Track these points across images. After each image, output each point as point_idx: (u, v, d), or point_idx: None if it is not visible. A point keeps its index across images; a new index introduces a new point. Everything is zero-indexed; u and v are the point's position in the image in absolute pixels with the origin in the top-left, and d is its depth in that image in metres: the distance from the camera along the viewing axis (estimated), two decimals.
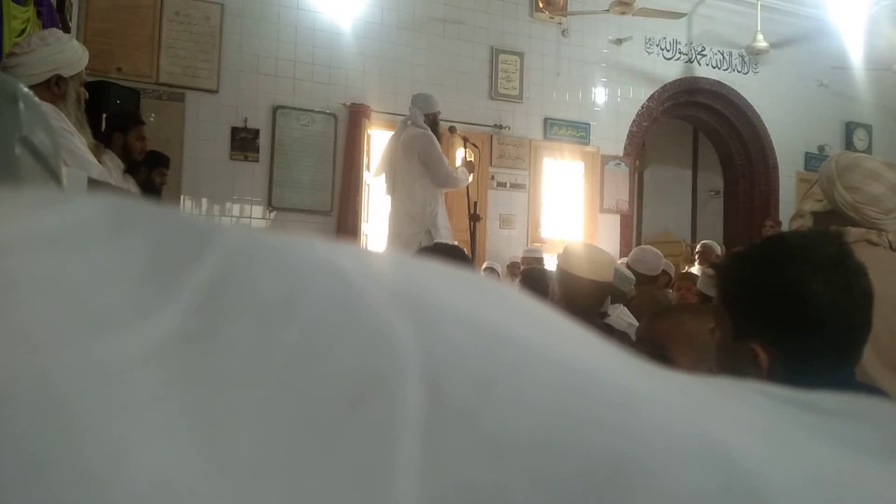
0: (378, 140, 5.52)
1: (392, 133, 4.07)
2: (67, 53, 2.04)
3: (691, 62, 6.87)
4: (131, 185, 3.13)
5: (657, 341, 1.18)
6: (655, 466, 0.15)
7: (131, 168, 3.10)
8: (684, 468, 0.15)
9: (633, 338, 2.33)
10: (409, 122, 3.76)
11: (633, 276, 2.92)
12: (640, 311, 2.97)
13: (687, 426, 0.16)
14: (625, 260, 5.03)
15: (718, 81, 6.96)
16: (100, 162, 2.34)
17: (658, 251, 3.49)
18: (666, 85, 6.74)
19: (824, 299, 0.84)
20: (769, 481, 0.15)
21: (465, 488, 0.13)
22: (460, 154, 3.91)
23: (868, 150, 7.35)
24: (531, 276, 2.76)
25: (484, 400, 0.15)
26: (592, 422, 0.15)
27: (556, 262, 2.11)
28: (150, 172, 3.40)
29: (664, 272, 3.60)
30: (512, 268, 5.38)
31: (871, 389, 0.91)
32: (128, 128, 3.04)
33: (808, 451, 0.18)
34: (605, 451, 0.15)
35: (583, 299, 1.92)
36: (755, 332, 0.88)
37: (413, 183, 3.67)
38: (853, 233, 1.40)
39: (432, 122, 3.74)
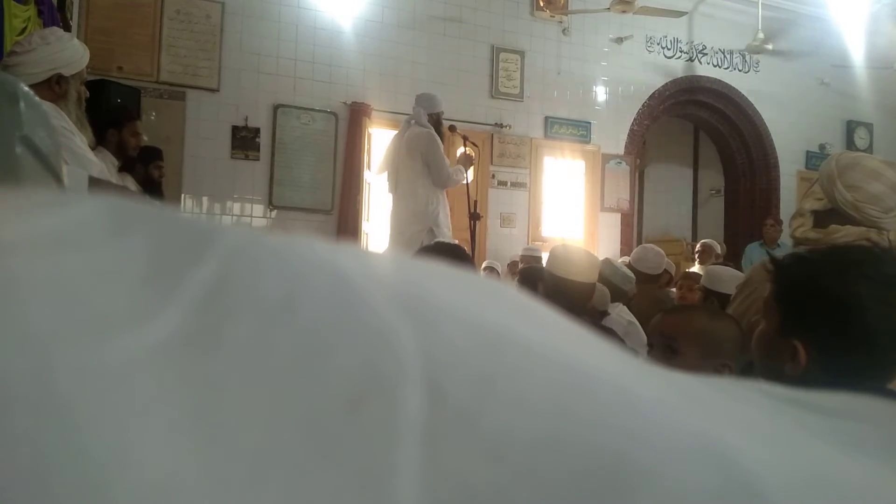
0: (379, 139, 5.52)
1: (394, 132, 4.07)
2: (68, 52, 2.04)
3: (692, 61, 6.86)
4: (129, 183, 3.12)
5: (668, 334, 1.21)
6: (655, 466, 0.15)
7: (127, 165, 3.09)
8: (684, 468, 0.15)
9: (630, 336, 2.37)
10: (413, 121, 3.76)
11: (632, 275, 2.93)
12: (641, 309, 2.99)
13: (687, 426, 0.16)
14: (626, 259, 5.04)
15: (719, 80, 6.95)
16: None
17: (660, 250, 3.49)
18: (667, 83, 6.74)
19: (872, 315, 0.87)
20: (768, 481, 0.15)
21: (466, 489, 0.13)
22: (460, 153, 3.91)
23: (869, 149, 7.34)
24: (529, 275, 2.76)
25: (484, 400, 0.15)
26: (592, 422, 0.15)
27: (546, 266, 2.16)
28: (147, 167, 3.40)
29: (665, 271, 3.60)
30: (512, 266, 5.38)
31: (893, 395, 0.92)
32: (122, 124, 3.02)
33: (808, 450, 0.18)
34: (606, 450, 0.15)
35: (566, 299, 1.94)
36: (800, 331, 0.92)
37: (416, 181, 3.67)
38: (853, 232, 1.40)
39: (436, 121, 3.74)
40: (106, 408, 0.13)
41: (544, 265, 2.32)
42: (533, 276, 2.64)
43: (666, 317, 1.28)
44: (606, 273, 2.76)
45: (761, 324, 1.01)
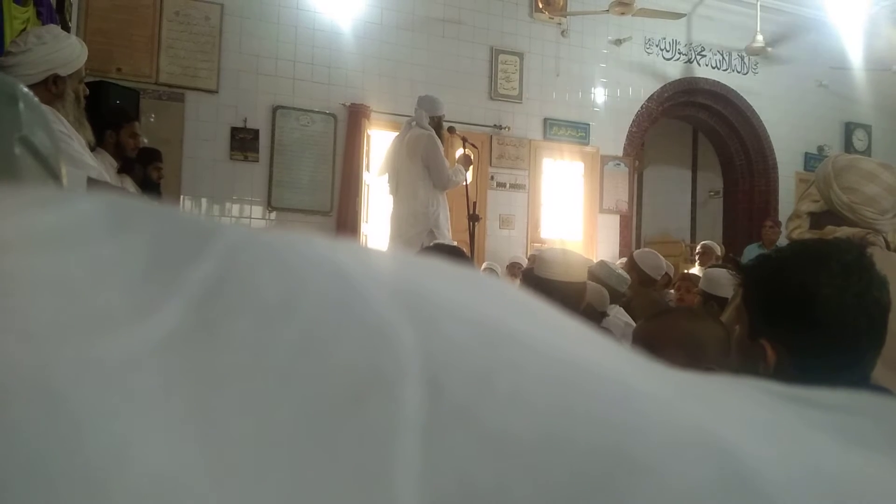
0: (378, 140, 5.52)
1: (393, 133, 4.08)
2: (65, 52, 2.01)
3: (691, 62, 6.87)
4: (128, 185, 3.12)
5: (651, 343, 1.20)
6: (654, 462, 0.15)
7: (126, 167, 3.10)
8: (683, 464, 0.15)
9: (628, 337, 2.37)
10: (414, 122, 3.76)
11: (627, 276, 2.95)
12: (640, 311, 3.00)
13: (685, 421, 0.16)
14: (624, 260, 5.05)
15: (718, 82, 6.96)
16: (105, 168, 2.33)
17: (661, 257, 3.48)
18: (665, 85, 6.74)
19: (833, 303, 0.86)
20: (767, 476, 0.16)
21: (466, 486, 0.13)
22: (460, 154, 3.91)
23: (867, 151, 7.36)
24: (533, 276, 2.77)
25: (484, 397, 0.15)
26: (592, 418, 0.15)
27: (534, 271, 2.17)
28: (146, 169, 3.41)
29: (664, 273, 3.61)
30: (512, 268, 5.38)
31: (884, 392, 0.91)
32: (119, 125, 3.02)
33: (806, 445, 0.18)
34: (605, 446, 0.15)
35: (557, 302, 1.94)
36: (767, 330, 0.92)
37: (416, 183, 3.68)
38: (849, 233, 1.40)
39: (436, 124, 3.74)
40: (105, 405, 0.13)
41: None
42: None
43: (646, 324, 1.27)
44: (601, 275, 2.77)
45: (736, 330, 1.01)
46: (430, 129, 3.69)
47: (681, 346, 1.16)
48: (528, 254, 5.39)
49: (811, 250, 0.93)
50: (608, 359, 0.18)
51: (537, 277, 2.07)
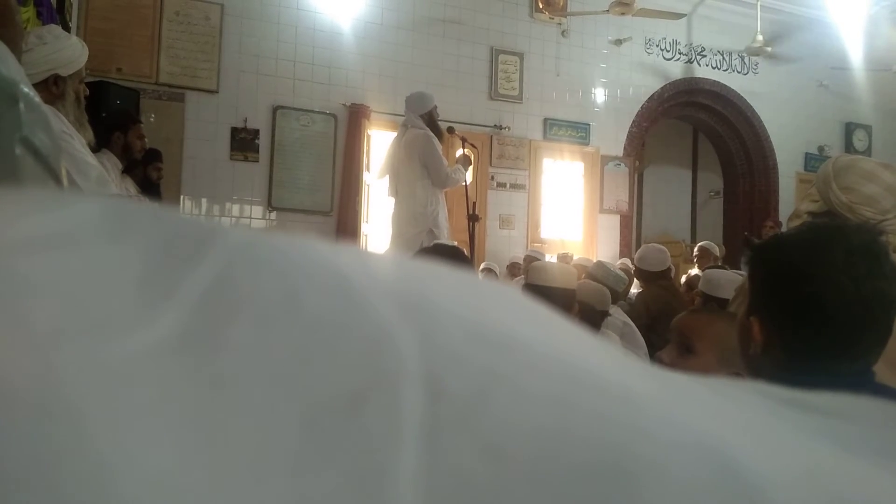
0: (378, 140, 5.52)
1: (393, 133, 4.08)
2: (66, 52, 2.02)
3: (691, 63, 6.87)
4: (130, 185, 3.13)
5: (685, 334, 1.20)
6: (656, 459, 0.15)
7: (127, 167, 3.10)
8: (684, 461, 0.15)
9: (626, 337, 2.42)
10: (409, 123, 3.76)
11: (624, 276, 2.99)
12: (648, 302, 3.04)
13: (684, 421, 0.16)
14: (625, 261, 5.05)
15: (718, 82, 6.96)
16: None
17: (661, 247, 3.53)
18: (666, 85, 6.74)
19: (827, 287, 0.82)
20: (765, 475, 0.16)
21: (466, 484, 0.13)
22: (459, 154, 3.91)
23: (868, 151, 7.35)
24: (525, 285, 2.80)
25: (484, 396, 0.15)
26: (593, 415, 0.15)
27: (525, 280, 2.24)
28: (146, 169, 3.41)
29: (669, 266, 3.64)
30: (511, 268, 5.38)
31: (890, 391, 0.88)
32: (128, 127, 3.04)
33: (801, 449, 0.18)
34: (607, 443, 0.15)
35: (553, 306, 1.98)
36: (762, 308, 0.89)
37: (415, 184, 3.68)
38: None
39: (429, 120, 3.73)
40: (108, 407, 0.13)
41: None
42: None
43: (687, 317, 1.27)
44: (599, 275, 2.80)
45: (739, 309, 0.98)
46: (425, 128, 3.69)
47: (714, 346, 1.15)
48: (525, 254, 5.38)
49: (818, 232, 0.89)
50: (609, 362, 0.18)
51: (530, 286, 2.13)
